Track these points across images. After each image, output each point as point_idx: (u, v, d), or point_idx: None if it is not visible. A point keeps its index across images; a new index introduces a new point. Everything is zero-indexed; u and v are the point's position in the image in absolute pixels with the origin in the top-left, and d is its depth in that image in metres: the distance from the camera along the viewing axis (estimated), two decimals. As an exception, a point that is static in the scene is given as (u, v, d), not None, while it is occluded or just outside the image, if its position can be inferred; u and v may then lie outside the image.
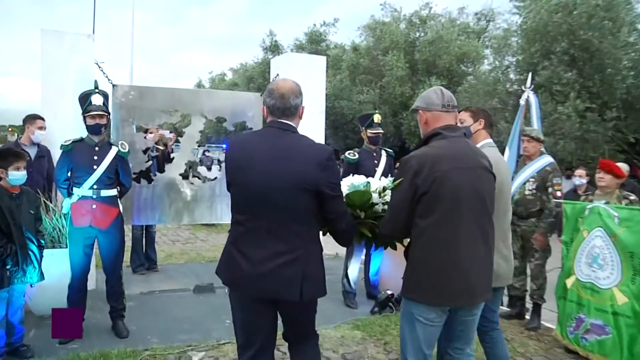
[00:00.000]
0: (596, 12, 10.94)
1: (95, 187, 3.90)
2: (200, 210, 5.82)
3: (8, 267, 3.35)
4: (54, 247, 4.37)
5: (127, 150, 4.17)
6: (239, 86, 26.03)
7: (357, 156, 5.06)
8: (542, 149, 4.79)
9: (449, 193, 2.24)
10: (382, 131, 5.22)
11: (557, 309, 4.29)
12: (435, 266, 2.26)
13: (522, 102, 5.10)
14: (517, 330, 4.61)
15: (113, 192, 4.05)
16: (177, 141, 7.16)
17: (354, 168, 4.71)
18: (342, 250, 5.39)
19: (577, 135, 11.12)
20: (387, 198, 2.55)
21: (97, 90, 3.98)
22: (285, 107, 2.30)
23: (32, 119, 4.77)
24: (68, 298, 3.98)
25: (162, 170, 5.81)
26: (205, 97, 6.01)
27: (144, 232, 6.17)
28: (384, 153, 5.19)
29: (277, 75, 6.20)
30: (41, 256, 3.60)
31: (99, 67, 5.25)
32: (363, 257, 5.30)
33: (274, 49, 24.74)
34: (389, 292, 4.88)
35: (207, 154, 16.28)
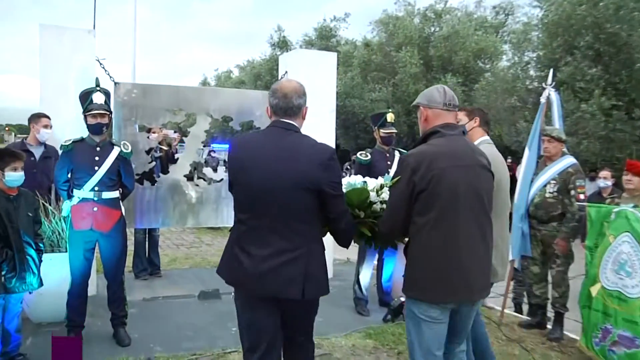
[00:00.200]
0: (625, 2, 10.78)
1: (96, 188, 3.91)
2: (205, 213, 5.83)
3: (3, 272, 3.33)
4: (53, 251, 4.38)
5: (129, 150, 4.18)
6: (245, 84, 26.12)
7: (369, 157, 5.04)
8: (564, 150, 4.75)
9: (447, 191, 2.35)
10: (395, 131, 5.19)
11: (581, 319, 4.23)
12: (434, 263, 2.37)
13: (542, 100, 5.03)
14: (538, 341, 4.55)
15: (115, 194, 4.05)
16: (181, 141, 7.19)
17: (366, 169, 4.68)
18: (354, 256, 5.37)
19: (602, 134, 11.00)
20: (385, 196, 2.67)
21: (98, 88, 4.00)
22: (287, 106, 2.41)
23: (36, 117, 4.79)
24: (67, 305, 3.99)
25: (166, 172, 5.84)
26: (211, 96, 6.03)
27: (147, 235, 6.18)
28: (397, 154, 5.15)
29: (286, 72, 6.19)
30: (40, 261, 3.60)
31: (100, 64, 5.27)
32: (375, 262, 5.27)
33: (283, 45, 24.78)
34: (403, 299, 4.84)
35: (212, 154, 16.34)
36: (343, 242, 2.60)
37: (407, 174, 2.39)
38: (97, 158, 3.94)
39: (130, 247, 5.23)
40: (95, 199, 3.91)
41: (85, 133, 4.03)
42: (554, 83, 5.08)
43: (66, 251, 4.10)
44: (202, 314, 4.94)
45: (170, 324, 4.60)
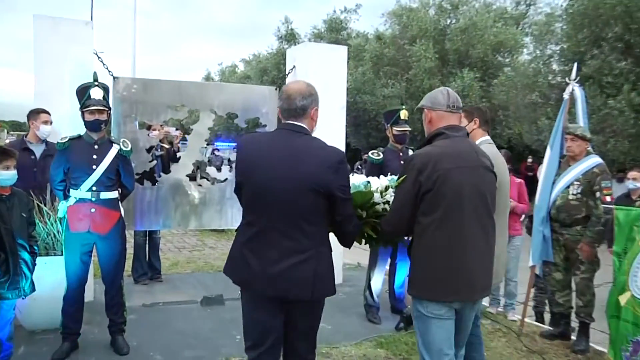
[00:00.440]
0: (659, -11, 10.65)
1: (94, 188, 3.91)
2: (208, 214, 5.84)
3: None
4: (47, 254, 4.39)
5: (129, 148, 4.18)
6: (251, 79, 26.19)
7: (381, 156, 5.02)
8: (589, 149, 4.70)
9: (452, 191, 2.52)
10: (409, 129, 5.16)
11: (608, 330, 4.17)
12: (439, 263, 2.54)
13: (565, 96, 4.99)
14: (561, 353, 4.51)
15: (114, 194, 4.05)
16: (183, 139, 7.20)
17: (378, 169, 4.66)
18: (365, 260, 5.35)
19: (631, 132, 10.86)
20: (388, 197, 2.83)
21: (96, 83, 3.99)
22: (290, 108, 2.53)
23: (35, 113, 4.80)
24: (63, 311, 3.98)
25: (167, 171, 5.85)
26: (215, 91, 6.03)
27: (147, 238, 6.20)
28: (410, 153, 5.12)
29: (294, 67, 6.19)
30: (34, 265, 3.61)
31: (99, 57, 5.29)
32: (387, 267, 5.25)
33: (290, 38, 24.82)
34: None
35: (216, 153, 16.41)
36: (347, 243, 2.74)
37: (413, 174, 2.55)
38: (95, 156, 3.94)
39: (130, 251, 5.25)
40: (93, 199, 3.91)
41: (82, 130, 4.03)
42: (578, 78, 5.02)
43: (62, 254, 4.09)
44: (204, 320, 4.94)
45: (171, 332, 4.60)
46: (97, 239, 3.96)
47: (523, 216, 5.50)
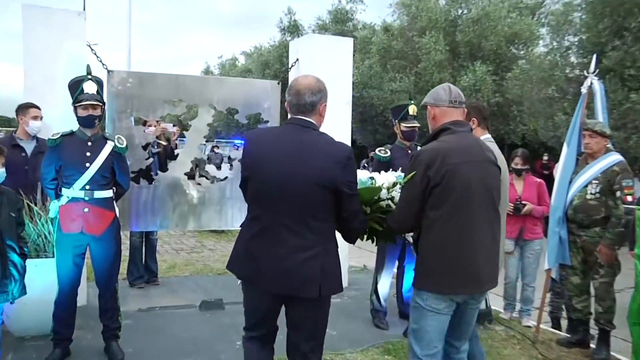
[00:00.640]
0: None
1: (87, 187, 3.91)
2: (208, 214, 5.83)
3: None
4: (38, 256, 4.39)
5: (124, 145, 4.17)
6: (252, 73, 26.21)
7: (389, 154, 5.00)
8: (609, 146, 4.68)
9: (460, 185, 2.68)
10: (418, 125, 5.13)
11: (630, 338, 4.13)
12: (447, 256, 2.70)
13: (583, 90, 4.95)
14: (579, 361, 4.49)
15: (108, 193, 4.05)
16: (181, 136, 7.21)
17: (386, 167, 4.62)
18: (371, 263, 5.35)
19: (655, 128, 10.80)
20: (394, 193, 2.95)
21: (89, 77, 3.98)
22: (299, 103, 2.64)
23: (24, 108, 4.80)
24: (54, 316, 3.99)
25: (164, 169, 5.85)
26: (214, 86, 6.02)
27: (144, 239, 6.21)
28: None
29: (297, 60, 6.18)
30: (23, 267, 3.60)
31: (92, 49, 5.29)
32: (395, 270, 5.24)
33: (293, 29, 24.80)
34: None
35: (216, 150, 16.43)
36: (351, 239, 2.88)
37: (422, 169, 2.70)
38: (88, 154, 3.94)
39: (125, 253, 5.26)
40: (87, 198, 3.90)
41: (75, 126, 4.03)
42: (597, 70, 4.99)
43: (53, 256, 4.09)
44: (203, 326, 4.94)
45: (168, 338, 4.60)
46: (90, 241, 3.96)
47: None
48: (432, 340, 2.77)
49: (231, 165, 6.01)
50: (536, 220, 5.30)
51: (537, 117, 14.48)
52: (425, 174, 2.69)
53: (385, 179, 3.02)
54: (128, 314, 4.87)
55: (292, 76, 6.13)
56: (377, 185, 2.97)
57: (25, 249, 3.65)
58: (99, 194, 3.96)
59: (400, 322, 5.10)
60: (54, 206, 3.96)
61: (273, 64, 24.54)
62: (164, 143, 6.23)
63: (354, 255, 7.32)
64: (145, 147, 5.62)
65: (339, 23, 23.47)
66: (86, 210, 3.90)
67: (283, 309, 2.74)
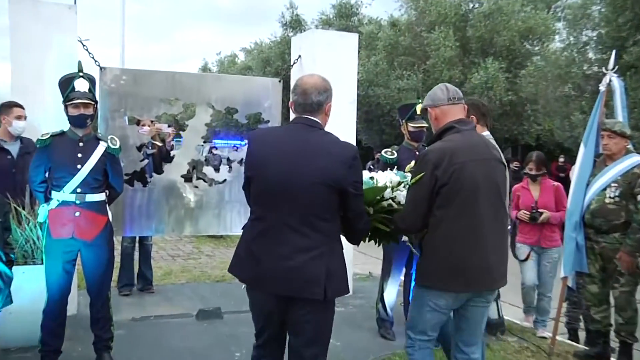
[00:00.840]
0: None
1: (79, 190, 3.91)
2: (205, 219, 5.83)
3: None
4: (26, 263, 4.38)
5: (117, 146, 4.17)
6: (252, 70, 26.22)
7: (395, 155, 4.99)
8: (629, 147, 4.65)
9: (468, 184, 2.82)
10: (426, 125, 5.10)
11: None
12: (456, 254, 2.84)
13: (602, 87, 4.93)
14: (597, 375, 4.46)
15: (101, 196, 4.05)
16: (178, 136, 7.19)
17: (392, 169, 4.63)
18: (377, 270, 5.34)
19: (679, 129, 10.75)
20: (397, 193, 3.09)
21: (81, 74, 3.99)
22: (306, 103, 2.72)
23: (7, 107, 4.79)
24: (42, 326, 3.97)
25: (159, 171, 5.84)
26: (213, 83, 6.04)
27: (137, 245, 6.20)
28: (428, 150, 5.10)
29: (299, 57, 6.18)
30: (10, 275, 3.59)
31: (84, 45, 5.29)
32: (402, 277, 5.22)
33: (296, 25, 24.83)
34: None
35: (214, 151, 16.45)
36: (355, 240, 2.97)
37: (429, 169, 2.83)
38: (80, 155, 3.94)
39: (118, 259, 5.25)
40: (78, 202, 3.90)
41: (65, 126, 4.03)
42: (617, 67, 4.96)
43: (42, 263, 4.10)
44: (200, 336, 4.93)
45: (164, 349, 4.60)
46: (81, 246, 3.95)
47: None
48: (425, 330, 3.00)
49: (230, 167, 6.00)
50: (554, 227, 5.26)
51: (553, 116, 14.47)
52: (433, 173, 2.82)
53: (386, 178, 3.16)
54: (121, 324, 4.86)
55: (294, 74, 6.13)
56: (377, 185, 3.09)
57: (12, 255, 3.65)
58: (91, 197, 3.96)
59: (408, 332, 5.09)
60: (43, 210, 3.96)
61: (274, 61, 24.56)
62: (159, 144, 6.22)
63: (359, 262, 7.30)
64: (139, 148, 5.63)
65: (343, 18, 23.48)
66: (77, 214, 3.90)
67: None
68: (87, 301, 4.14)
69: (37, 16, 5.05)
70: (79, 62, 4.18)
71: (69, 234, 3.89)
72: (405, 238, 3.44)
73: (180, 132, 6.31)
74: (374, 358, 4.51)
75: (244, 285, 2.80)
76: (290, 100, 2.83)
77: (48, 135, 3.96)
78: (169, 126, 6.76)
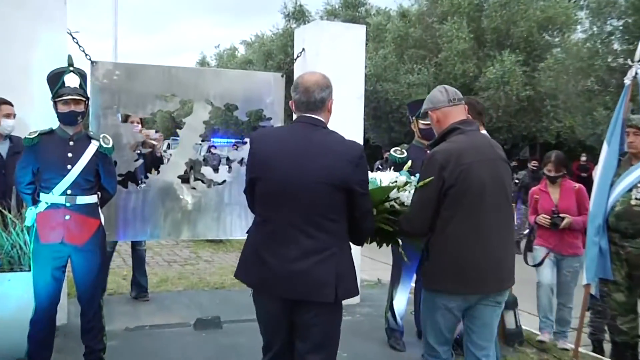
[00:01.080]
0: None
1: (69, 192, 3.91)
2: (204, 222, 5.82)
3: None
4: (12, 270, 4.36)
5: (110, 145, 4.18)
6: (253, 64, 26.33)
7: (405, 154, 4.98)
8: (657, 144, 4.62)
9: (475, 185, 2.96)
10: (438, 121, 5.12)
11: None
12: (463, 255, 2.97)
13: (627, 81, 4.91)
14: (624, 389, 4.44)
15: (92, 198, 4.06)
16: (175, 135, 7.18)
17: (402, 168, 4.62)
18: (385, 276, 5.33)
19: None
20: (401, 194, 3.20)
21: (71, 69, 3.99)
22: (309, 101, 2.80)
23: None
24: (29, 337, 3.97)
25: (151, 172, 5.80)
26: (211, 78, 6.04)
27: (130, 250, 6.20)
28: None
29: (303, 50, 6.17)
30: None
31: (74, 38, 5.29)
32: (413, 284, 5.21)
33: (299, 16, 24.90)
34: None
35: (212, 150, 16.47)
36: (361, 240, 3.06)
37: (436, 170, 2.97)
38: (70, 155, 3.94)
39: (112, 265, 5.25)
40: (68, 204, 3.90)
41: (55, 124, 4.04)
42: (644, 59, 4.94)
43: (29, 269, 4.09)
44: (199, 347, 4.93)
45: (159, 360, 4.60)
46: (72, 251, 3.95)
47: None
48: (441, 331, 3.13)
49: (230, 167, 6.00)
50: (577, 233, 5.20)
51: (574, 112, 14.41)
52: (440, 175, 2.96)
53: (390, 178, 3.27)
54: (114, 334, 4.86)
55: (297, 68, 6.13)
56: (381, 185, 3.20)
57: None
58: (82, 200, 3.95)
59: (418, 342, 5.04)
60: (30, 213, 3.97)
61: (276, 54, 24.64)
62: (149, 149, 6.12)
63: (367, 268, 7.29)
64: (134, 148, 5.62)
65: (349, 8, 23.52)
66: (67, 217, 3.90)
67: None
68: (78, 310, 4.14)
69: (24, 8, 5.02)
70: (69, 56, 4.18)
71: (59, 238, 3.89)
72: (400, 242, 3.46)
73: (177, 130, 6.30)
74: (383, 371, 4.52)
75: (250, 292, 2.86)
76: (292, 99, 2.89)
77: (36, 134, 3.96)
78: (156, 132, 6.66)
